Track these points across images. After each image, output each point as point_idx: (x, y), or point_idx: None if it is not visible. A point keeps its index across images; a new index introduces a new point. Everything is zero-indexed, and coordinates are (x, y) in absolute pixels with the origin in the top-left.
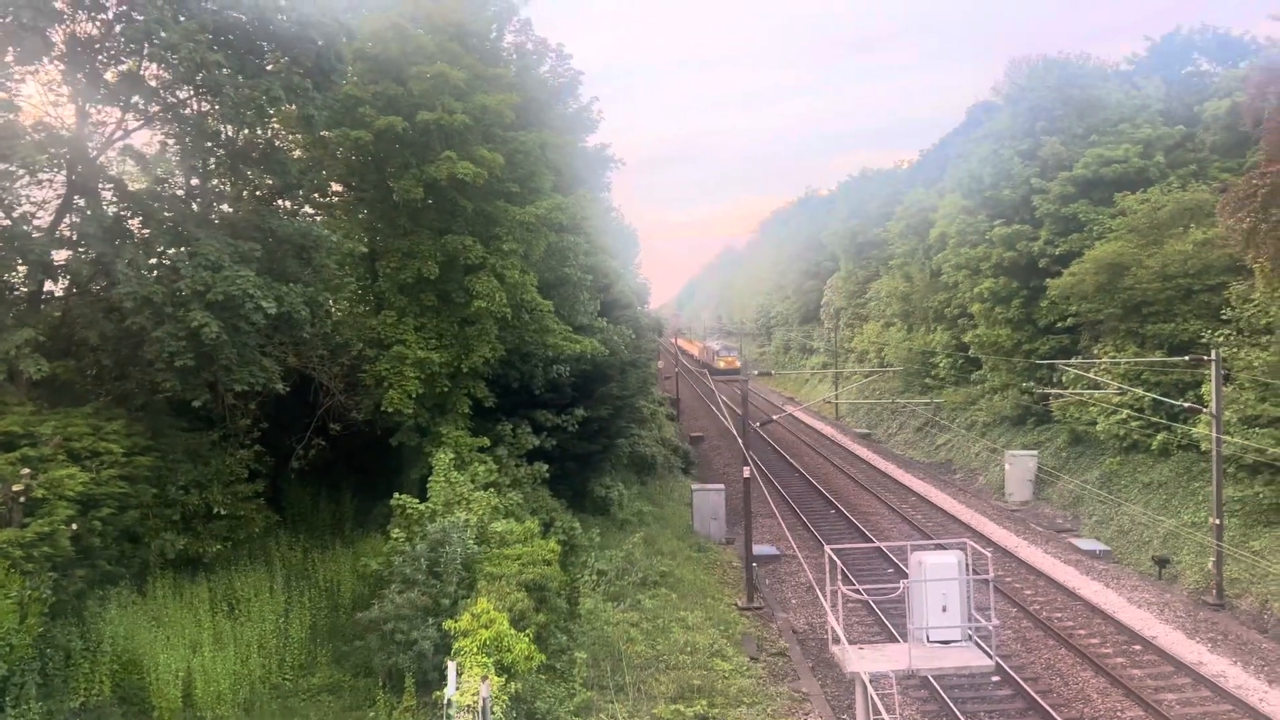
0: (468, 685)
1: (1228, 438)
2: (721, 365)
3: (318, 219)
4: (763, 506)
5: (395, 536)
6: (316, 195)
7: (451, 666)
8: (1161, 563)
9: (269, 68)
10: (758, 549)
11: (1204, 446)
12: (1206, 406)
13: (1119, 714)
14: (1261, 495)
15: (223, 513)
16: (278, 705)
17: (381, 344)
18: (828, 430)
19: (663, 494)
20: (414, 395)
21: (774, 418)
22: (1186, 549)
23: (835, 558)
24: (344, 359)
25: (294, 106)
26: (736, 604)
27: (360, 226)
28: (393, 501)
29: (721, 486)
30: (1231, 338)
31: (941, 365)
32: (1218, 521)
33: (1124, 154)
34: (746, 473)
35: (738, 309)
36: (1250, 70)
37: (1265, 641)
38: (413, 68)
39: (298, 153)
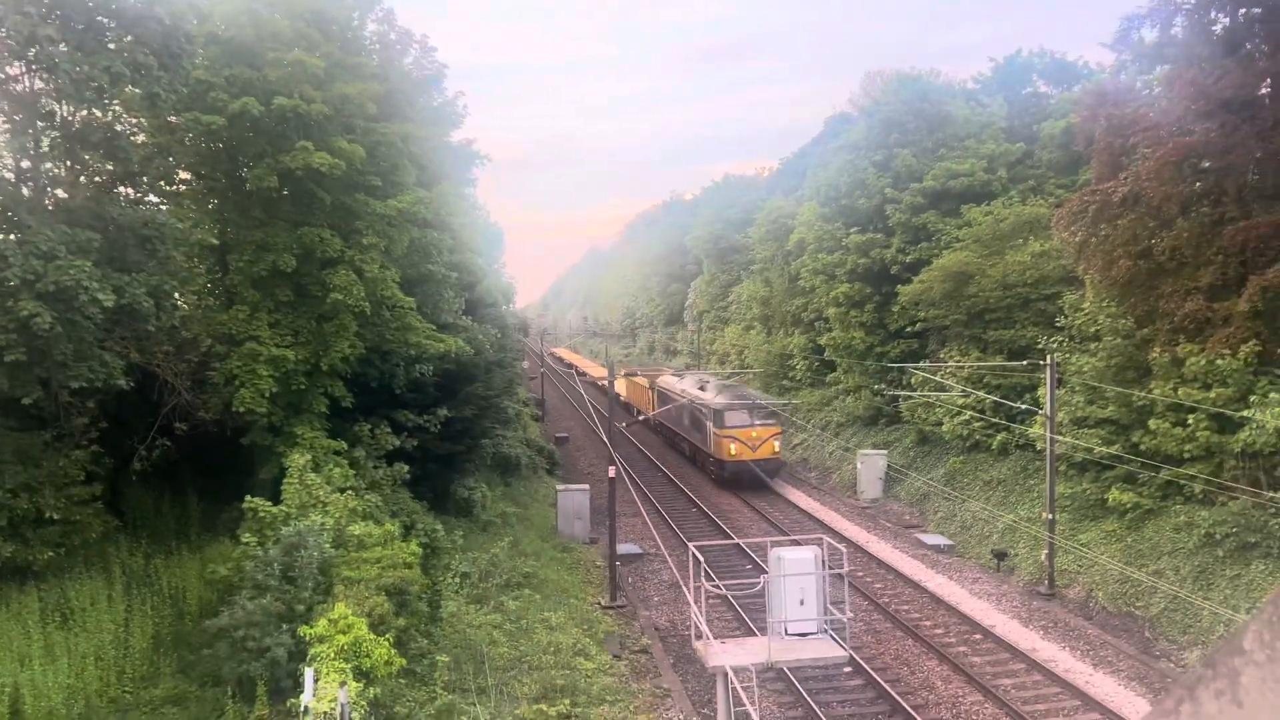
0: (325, 691)
1: (1060, 438)
2: (732, 451)
3: (163, 208)
4: (627, 506)
5: (246, 541)
6: (162, 183)
7: (308, 673)
8: (1000, 556)
9: (111, 46)
10: (622, 548)
11: (1039, 446)
12: (1041, 409)
13: (960, 700)
14: (1088, 491)
15: (55, 517)
16: (116, 719)
17: (233, 340)
18: None
19: (527, 495)
20: (267, 394)
21: (640, 418)
22: (1022, 542)
23: (699, 555)
24: (191, 355)
25: (137, 89)
26: (600, 603)
27: (210, 217)
28: (244, 504)
29: (586, 487)
30: (1064, 344)
31: (799, 367)
32: (1050, 516)
33: (970, 168)
34: (611, 472)
35: (604, 310)
36: (1083, 94)
37: (1090, 628)
38: (269, 54)
39: (142, 138)
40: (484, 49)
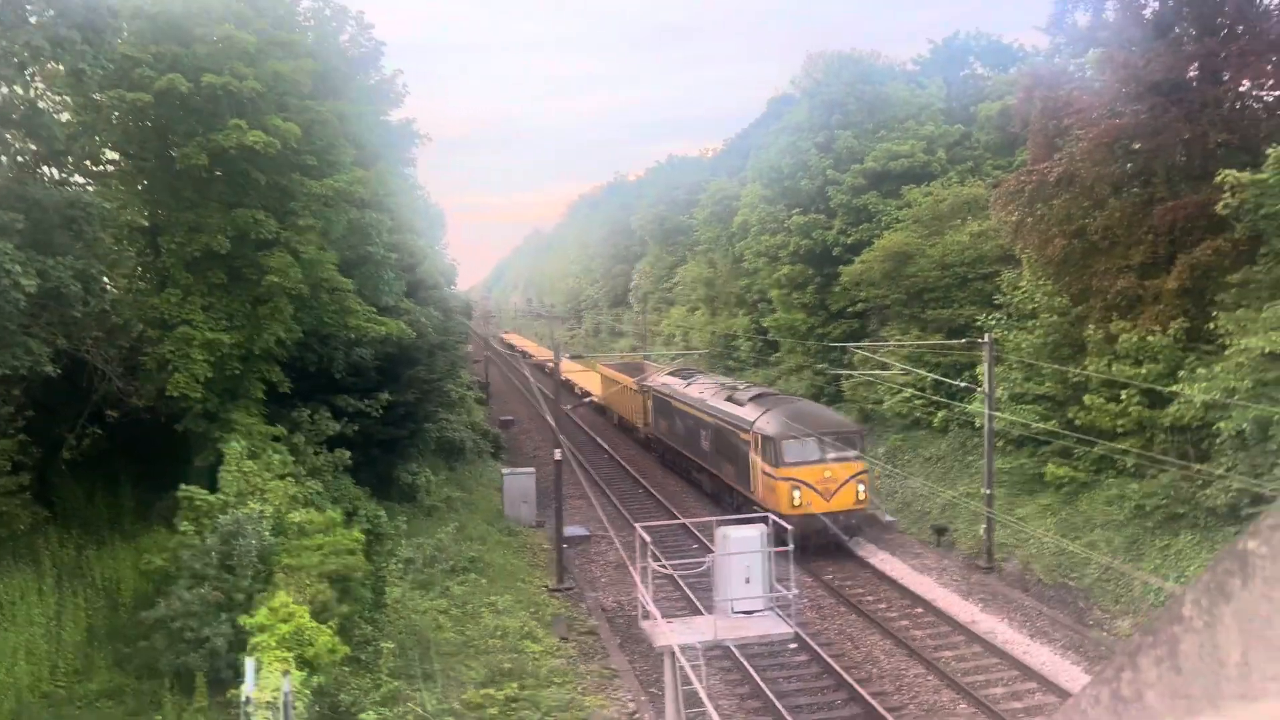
0: (267, 681)
1: (998, 414)
2: (796, 502)
3: (90, 189)
4: (574, 489)
5: (183, 530)
6: (88, 163)
7: (249, 663)
8: (940, 531)
9: (32, 20)
10: (568, 530)
11: (978, 423)
12: (980, 386)
13: (903, 673)
14: (1025, 466)
15: None
16: (50, 715)
17: (165, 324)
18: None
19: (472, 479)
20: (202, 379)
21: (585, 400)
22: (962, 517)
23: (645, 536)
24: (123, 341)
25: (59, 65)
26: (547, 586)
27: (140, 198)
28: (179, 493)
29: (532, 470)
30: (1002, 322)
31: (743, 348)
32: (988, 491)
33: (910, 149)
34: (557, 455)
35: (548, 292)
36: (1019, 76)
37: (1027, 599)
38: (198, 29)
39: (66, 116)
40: (423, 27)
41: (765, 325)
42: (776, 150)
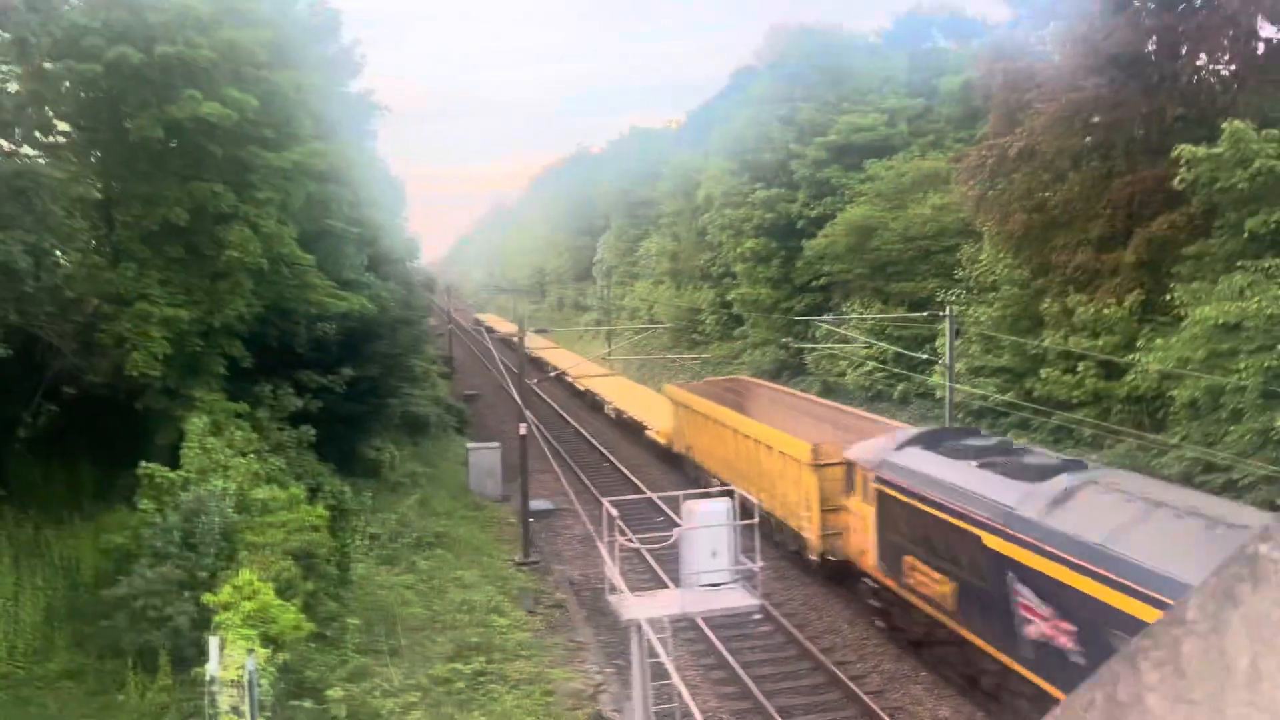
0: (232, 659)
1: (958, 386)
2: None
3: (40, 160)
4: (540, 463)
5: (144, 508)
6: (38, 134)
7: (214, 641)
8: None
9: None
10: (534, 504)
11: (938, 394)
12: (940, 358)
13: (864, 641)
14: None
15: None
16: (8, 695)
17: (122, 300)
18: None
19: (437, 453)
20: (161, 356)
21: (550, 374)
22: None
23: (612, 510)
24: (77, 316)
25: (5, 33)
26: (513, 560)
27: (93, 170)
28: (140, 471)
29: (497, 444)
30: (963, 295)
31: (708, 322)
32: None
33: (873, 122)
34: (523, 429)
35: (511, 265)
36: (980, 49)
37: None
38: None
39: (13, 86)
40: None
41: (730, 299)
42: (739, 123)
